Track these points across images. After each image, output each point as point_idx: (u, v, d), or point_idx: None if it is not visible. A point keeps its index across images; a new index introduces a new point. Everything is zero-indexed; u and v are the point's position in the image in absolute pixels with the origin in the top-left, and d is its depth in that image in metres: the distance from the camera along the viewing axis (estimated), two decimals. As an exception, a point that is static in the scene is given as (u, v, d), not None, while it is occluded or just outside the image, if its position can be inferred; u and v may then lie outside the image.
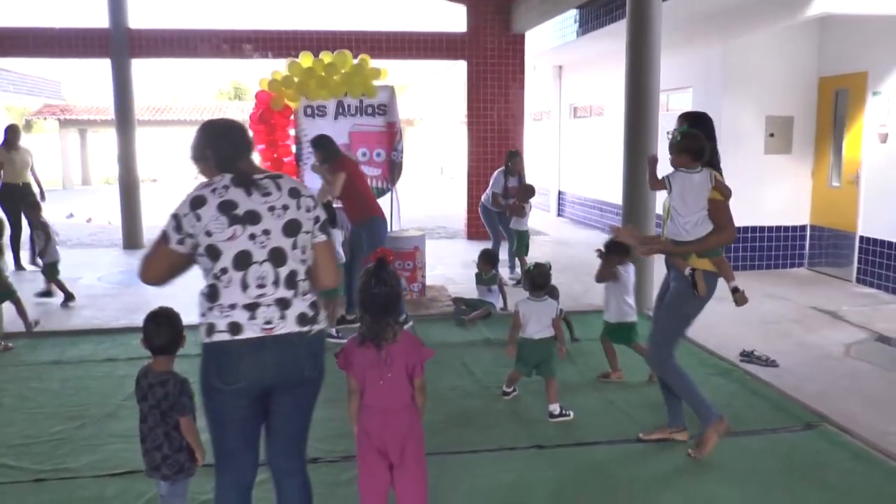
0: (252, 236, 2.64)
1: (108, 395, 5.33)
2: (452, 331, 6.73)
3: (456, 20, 12.87)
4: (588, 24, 11.23)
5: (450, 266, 9.92)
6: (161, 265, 2.71)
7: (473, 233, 12.48)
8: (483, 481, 3.95)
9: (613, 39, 10.95)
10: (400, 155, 8.48)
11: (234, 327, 2.62)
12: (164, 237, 2.68)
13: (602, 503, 3.77)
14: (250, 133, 2.95)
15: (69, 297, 8.15)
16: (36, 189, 10.16)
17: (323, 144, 6.81)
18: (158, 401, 3.18)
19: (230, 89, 45.92)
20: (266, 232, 2.66)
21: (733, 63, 9.50)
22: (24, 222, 9.31)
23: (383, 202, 8.04)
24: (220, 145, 2.78)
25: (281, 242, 2.68)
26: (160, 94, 42.37)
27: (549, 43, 13.16)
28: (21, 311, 6.83)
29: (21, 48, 12.13)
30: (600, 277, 5.60)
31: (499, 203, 8.97)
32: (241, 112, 28.31)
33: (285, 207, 2.70)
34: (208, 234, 2.61)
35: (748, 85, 9.50)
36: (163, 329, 3.21)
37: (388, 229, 7.61)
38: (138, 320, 7.05)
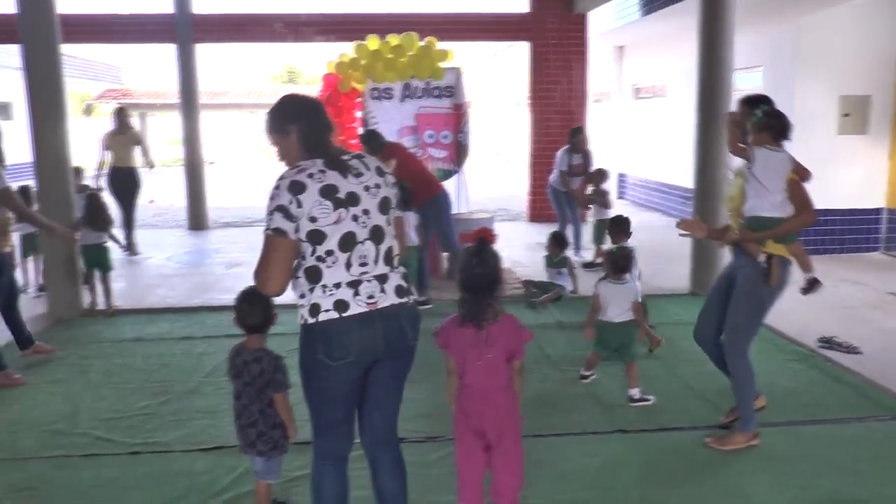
0: (355, 217, 2.66)
1: (189, 371, 5.45)
2: (524, 313, 6.69)
3: (518, 0, 12.74)
4: (652, 3, 11.01)
5: (515, 248, 9.86)
6: (285, 264, 2.64)
7: (536, 215, 12.41)
8: (569, 465, 3.93)
9: (678, 18, 10.74)
10: (467, 137, 8.45)
11: (341, 305, 2.64)
12: (278, 234, 2.60)
13: (691, 490, 3.71)
14: None
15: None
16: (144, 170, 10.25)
17: (368, 139, 6.86)
18: (254, 378, 3.22)
19: (283, 73, 46.35)
20: (366, 212, 2.69)
21: (806, 41, 9.23)
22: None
23: (449, 184, 8.03)
24: (305, 123, 2.74)
25: (379, 220, 2.73)
26: (213, 78, 43.06)
27: (610, 23, 12.96)
28: (107, 289, 7.15)
29: (90, 35, 12.35)
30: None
31: (566, 181, 8.89)
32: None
33: (378, 186, 2.75)
34: (312, 219, 2.60)
35: (821, 64, 9.22)
36: (256, 308, 3.23)
37: (456, 210, 7.61)
38: (210, 300, 7.38)
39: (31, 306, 7.29)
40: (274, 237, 2.61)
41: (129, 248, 9.84)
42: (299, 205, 2.59)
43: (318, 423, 2.86)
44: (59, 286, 6.97)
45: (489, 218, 8.00)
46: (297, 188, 2.60)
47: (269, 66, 49.84)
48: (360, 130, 8.36)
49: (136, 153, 10.09)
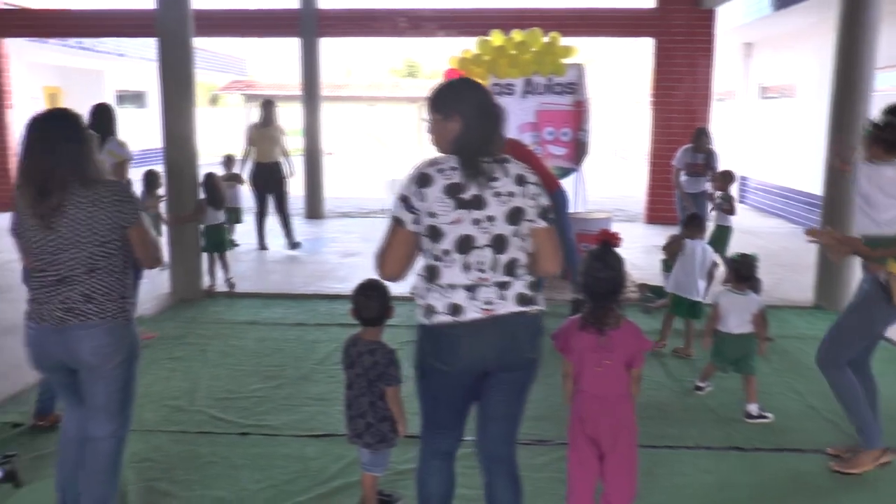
0: (476, 221, 2.56)
1: (302, 357, 5.58)
2: (638, 318, 6.49)
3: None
4: (787, -4, 10.48)
5: (631, 251, 9.58)
6: (401, 253, 2.64)
7: (654, 216, 12.08)
8: (683, 480, 3.78)
9: (814, 13, 10.20)
10: (587, 134, 8.27)
11: (455, 308, 2.58)
12: (397, 222, 2.61)
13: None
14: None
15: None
16: (286, 167, 9.78)
17: None
18: (366, 369, 3.23)
19: (403, 67, 47.03)
20: (490, 218, 2.57)
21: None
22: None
23: (567, 183, 7.88)
24: (475, 119, 2.64)
25: (503, 229, 2.59)
26: (334, 71, 44.22)
27: (739, 19, 12.45)
28: (225, 265, 7.59)
29: (219, 28, 12.85)
30: (670, 251, 6.10)
31: (677, 179, 8.61)
32: (418, 89, 28.92)
33: (511, 194, 2.60)
34: (432, 214, 2.56)
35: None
36: (373, 302, 3.23)
37: (573, 209, 7.46)
38: (324, 288, 7.51)
39: (154, 286, 7.64)
40: (393, 224, 2.63)
41: (292, 243, 9.72)
42: (422, 198, 2.56)
43: (426, 421, 2.85)
44: (182, 267, 7.26)
45: (606, 218, 7.81)
46: (423, 181, 2.57)
47: (389, 60, 50.73)
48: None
49: (281, 147, 9.64)
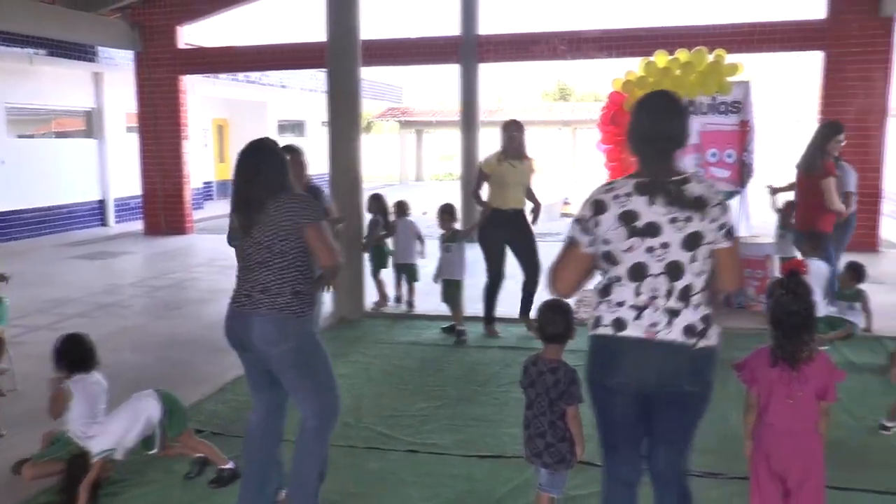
0: (650, 249, 2.56)
1: (463, 379, 5.66)
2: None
3: (812, 5, 11.78)
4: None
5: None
6: (575, 271, 2.72)
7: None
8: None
9: None
10: (751, 155, 7.91)
11: (618, 323, 2.61)
12: (572, 242, 2.69)
13: None
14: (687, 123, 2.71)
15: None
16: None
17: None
18: (547, 388, 3.23)
19: (555, 90, 46.93)
20: (664, 245, 2.55)
21: None
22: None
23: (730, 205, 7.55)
24: (632, 128, 2.68)
25: (679, 256, 2.55)
26: (486, 96, 44.72)
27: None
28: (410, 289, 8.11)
29: (382, 58, 13.22)
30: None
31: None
32: (572, 112, 28.86)
33: (688, 219, 2.54)
34: (606, 241, 2.60)
35: None
36: (559, 317, 3.26)
37: (737, 234, 7.15)
38: (480, 310, 7.49)
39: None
40: (569, 244, 2.71)
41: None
42: (597, 224, 2.61)
43: (604, 448, 2.87)
44: (344, 287, 7.40)
45: (772, 243, 7.46)
46: (598, 207, 2.62)
47: (541, 84, 50.77)
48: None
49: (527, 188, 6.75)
